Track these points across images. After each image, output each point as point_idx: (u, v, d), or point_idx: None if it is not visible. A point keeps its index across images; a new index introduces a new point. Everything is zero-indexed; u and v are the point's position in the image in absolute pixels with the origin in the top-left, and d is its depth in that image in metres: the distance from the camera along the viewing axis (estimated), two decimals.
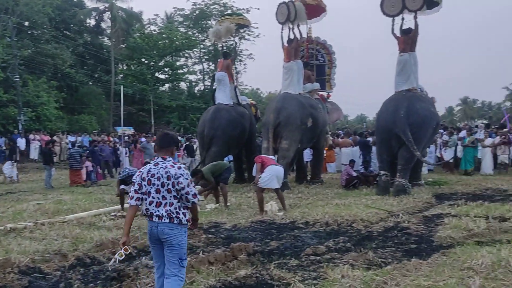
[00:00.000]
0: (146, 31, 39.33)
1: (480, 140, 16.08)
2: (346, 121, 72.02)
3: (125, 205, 9.93)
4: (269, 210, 8.87)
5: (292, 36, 13.83)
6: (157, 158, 3.90)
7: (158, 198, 3.78)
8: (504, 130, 16.39)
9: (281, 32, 13.99)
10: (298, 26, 13.90)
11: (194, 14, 41.65)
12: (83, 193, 12.86)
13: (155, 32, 39.40)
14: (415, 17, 12.07)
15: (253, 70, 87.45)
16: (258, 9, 39.08)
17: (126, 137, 25.13)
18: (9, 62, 25.34)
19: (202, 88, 45.65)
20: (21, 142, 22.05)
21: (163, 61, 40.06)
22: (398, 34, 12.27)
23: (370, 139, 16.33)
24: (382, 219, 7.80)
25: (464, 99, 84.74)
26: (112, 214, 8.94)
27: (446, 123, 38.85)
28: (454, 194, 10.86)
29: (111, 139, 22.99)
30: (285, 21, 13.80)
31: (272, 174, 8.77)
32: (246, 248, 5.77)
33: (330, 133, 19.86)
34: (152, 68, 38.43)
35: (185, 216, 3.79)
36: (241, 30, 33.35)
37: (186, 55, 43.68)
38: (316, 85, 14.99)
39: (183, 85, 45.56)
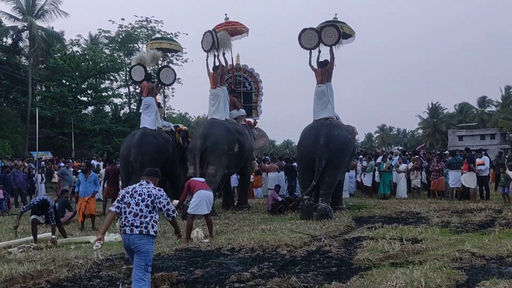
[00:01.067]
0: (68, 52, 37.82)
1: (396, 166, 17.15)
2: (273, 146, 73.62)
3: (41, 235, 9.28)
4: (195, 237, 8.74)
5: (217, 63, 14.05)
6: (143, 180, 4.98)
7: (136, 210, 4.73)
8: (416, 156, 17.63)
9: (207, 60, 14.20)
10: (223, 54, 14.24)
11: (120, 36, 40.87)
12: None
13: (77, 53, 38.00)
14: (331, 51, 12.86)
15: (181, 94, 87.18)
16: (186, 34, 39.19)
17: (43, 162, 23.74)
18: None
19: (128, 111, 44.51)
20: None
21: (86, 83, 38.61)
22: (315, 66, 12.95)
23: (295, 164, 16.81)
24: (305, 243, 8.00)
25: (381, 126, 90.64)
26: (23, 245, 8.27)
27: (366, 149, 41.05)
28: (372, 217, 11.42)
29: (26, 164, 21.45)
30: (210, 49, 14.06)
31: (201, 199, 8.73)
32: (169, 278, 5.63)
33: (256, 158, 20.17)
34: (74, 90, 36.86)
35: (153, 228, 4.73)
36: (169, 55, 33.22)
37: (111, 77, 42.51)
38: (242, 111, 15.25)
39: (107, 108, 44.17)
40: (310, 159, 11.82)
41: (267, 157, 22.73)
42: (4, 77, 34.38)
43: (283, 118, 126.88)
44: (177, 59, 41.45)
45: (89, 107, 40.74)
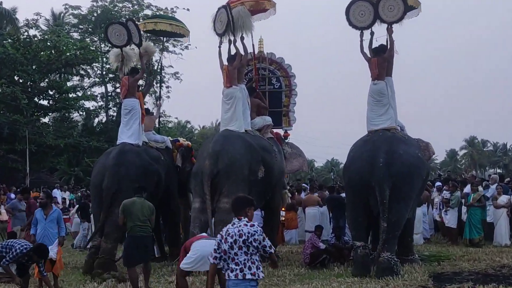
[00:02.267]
0: (22, 37, 38.82)
1: (493, 198, 16.87)
2: (312, 169, 73.50)
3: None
4: None
5: (234, 52, 14.16)
6: (234, 219, 6.16)
7: (230, 254, 5.96)
8: None
9: (219, 47, 14.33)
10: (242, 38, 14.28)
11: (95, 14, 41.84)
12: None
13: (35, 39, 38.98)
14: (390, 31, 12.82)
15: (181, 95, 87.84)
16: (188, 10, 39.53)
17: None
18: None
19: (104, 120, 45.19)
20: None
21: (46, 80, 39.47)
22: (369, 54, 12.95)
23: (343, 195, 16.76)
24: None
25: (470, 139, 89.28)
26: None
27: (449, 173, 40.52)
28: (459, 273, 11.24)
29: None
30: (225, 32, 14.18)
31: (199, 252, 8.77)
32: None
33: (289, 187, 20.16)
34: (29, 90, 37.73)
35: (250, 270, 5.90)
36: (165, 39, 33.72)
37: (82, 72, 43.34)
38: (268, 119, 15.32)
39: (76, 116, 44.87)
40: (365, 187, 11.75)
41: (304, 185, 22.73)
42: None
43: (324, 129, 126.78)
44: (174, 45, 42.15)
45: (50, 113, 41.51)
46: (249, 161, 12.85)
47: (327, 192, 18.38)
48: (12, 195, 25.07)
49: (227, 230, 6.07)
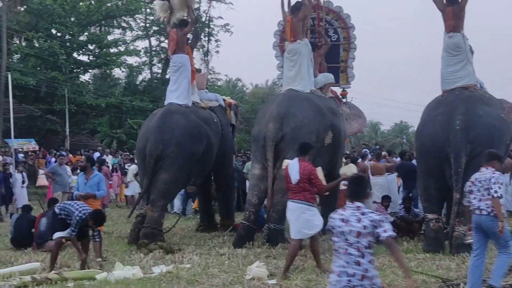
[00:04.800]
0: None
1: None
2: (376, 133, 72.67)
3: (23, 267, 9.89)
4: (254, 275, 8.95)
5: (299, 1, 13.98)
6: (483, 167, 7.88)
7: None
8: None
9: None
10: None
11: None
12: None
13: None
14: None
15: (231, 50, 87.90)
16: None
17: (21, 155, 24.97)
18: None
19: (148, 77, 45.77)
20: None
21: (85, 33, 40.08)
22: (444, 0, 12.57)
23: (414, 162, 16.64)
24: None
25: None
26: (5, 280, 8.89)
27: None
28: None
29: (0, 158, 22.82)
30: None
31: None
32: None
33: (351, 153, 20.07)
34: (68, 44, 38.45)
35: None
36: None
37: (124, 24, 43.83)
38: (330, 77, 15.25)
39: (117, 73, 45.52)
40: (439, 154, 11.62)
41: (366, 150, 22.55)
42: None
43: (390, 88, 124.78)
44: None
45: (89, 70, 42.25)
46: (317, 125, 12.82)
47: (396, 159, 18.20)
48: (51, 159, 26.01)
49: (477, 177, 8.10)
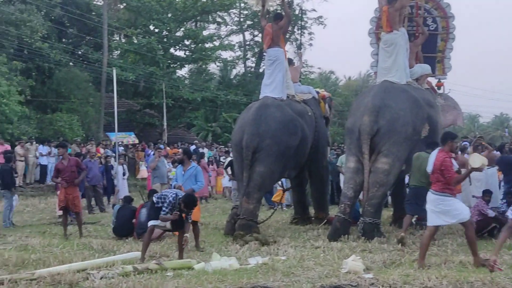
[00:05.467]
0: None
1: None
2: (476, 125, 70.42)
3: (127, 255, 10.23)
4: (350, 268, 8.90)
5: None
6: None
7: None
8: None
9: None
10: None
11: None
12: (59, 234, 13.37)
13: None
14: None
15: (325, 42, 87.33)
16: None
17: (122, 148, 25.75)
18: None
19: (243, 71, 46.17)
20: None
21: (182, 29, 40.86)
22: None
23: None
24: None
25: None
26: (105, 268, 9.20)
27: None
28: None
29: (101, 151, 23.65)
30: None
31: None
32: None
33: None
34: (165, 40, 39.32)
35: None
36: None
37: (218, 20, 44.37)
38: (427, 68, 14.89)
39: (213, 68, 46.17)
40: None
41: (465, 143, 21.86)
42: (71, 24, 37.90)
43: (490, 79, 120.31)
44: None
45: (186, 65, 43.06)
46: (413, 118, 12.63)
47: (496, 152, 17.56)
48: (150, 151, 26.76)
49: None
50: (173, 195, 10.13)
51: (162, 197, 10.27)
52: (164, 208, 10.07)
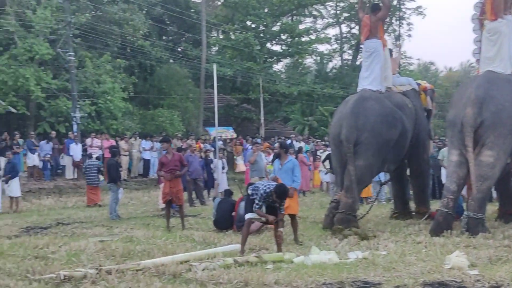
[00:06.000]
0: None
1: None
2: None
3: (225, 248, 10.40)
4: (454, 265, 8.68)
5: None
6: None
7: None
8: None
9: None
10: None
11: None
12: (162, 226, 13.78)
13: None
14: None
15: (423, 33, 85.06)
16: None
17: (221, 143, 26.12)
18: (60, 33, 27.94)
19: (339, 64, 45.85)
20: (75, 150, 24.18)
21: (278, 23, 40.99)
22: None
23: None
24: None
25: None
26: (207, 260, 9.38)
27: None
28: None
29: (201, 146, 24.09)
30: None
31: None
32: None
33: None
34: (262, 35, 39.60)
35: None
36: None
37: (315, 13, 44.23)
38: None
39: (309, 61, 46.11)
40: None
41: None
42: (170, 22, 38.86)
43: None
44: None
45: (282, 59, 43.22)
46: None
47: None
48: (248, 146, 27.07)
49: None
50: (264, 188, 10.17)
51: (256, 189, 10.34)
52: (256, 201, 10.15)
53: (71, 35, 27.54)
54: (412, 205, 15.27)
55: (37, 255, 10.16)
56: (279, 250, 10.22)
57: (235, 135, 32.35)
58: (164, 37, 39.22)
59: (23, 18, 27.04)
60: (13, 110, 26.14)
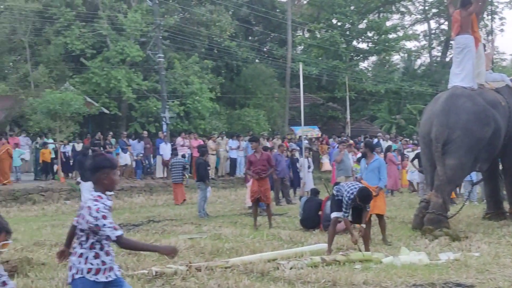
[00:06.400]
0: None
1: None
2: None
3: (312, 247, 10.39)
4: None
5: None
6: None
7: None
8: None
9: None
10: None
11: None
12: (249, 225, 13.91)
13: None
14: None
15: None
16: None
17: (306, 142, 26.12)
18: (150, 36, 28.72)
19: (428, 61, 44.94)
20: (164, 149, 24.78)
21: (365, 21, 40.62)
22: None
23: None
24: None
25: None
26: (294, 259, 9.41)
27: None
28: None
29: (288, 145, 24.16)
30: None
31: None
32: None
33: None
34: (347, 33, 39.32)
35: None
36: None
37: (402, 9, 43.55)
38: None
39: (396, 58, 45.46)
40: None
41: None
42: (256, 22, 39.18)
43: None
44: None
45: (368, 57, 42.77)
46: None
47: None
48: (334, 144, 26.96)
49: None
50: (348, 194, 10.06)
51: (340, 191, 10.28)
52: (344, 209, 10.05)
53: (161, 37, 28.28)
54: (506, 206, 14.78)
55: (130, 252, 10.47)
56: (367, 250, 10.11)
57: (320, 134, 32.25)
58: (250, 37, 39.64)
59: (115, 22, 27.99)
60: (106, 111, 27.18)
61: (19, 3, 26.10)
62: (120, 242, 4.74)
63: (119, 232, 4.71)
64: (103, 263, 4.79)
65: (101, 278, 4.76)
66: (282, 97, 35.90)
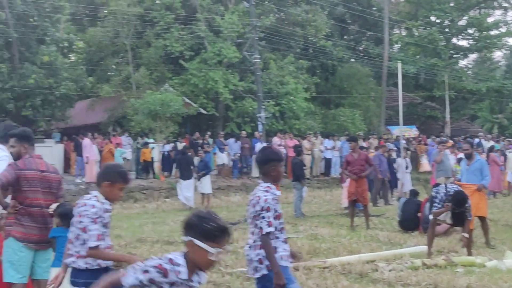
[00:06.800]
0: None
1: None
2: None
3: (411, 249, 10.22)
4: None
5: None
6: None
7: None
8: None
9: None
10: None
11: None
12: (345, 225, 13.83)
13: None
14: None
15: None
16: None
17: (404, 142, 25.68)
18: (246, 37, 29.05)
19: None
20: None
21: (465, 17, 39.45)
22: None
23: None
24: None
25: None
26: (394, 261, 9.28)
27: None
28: None
29: (386, 145, 23.82)
30: None
31: None
32: None
33: None
34: (447, 30, 38.32)
35: None
36: None
37: (505, 4, 41.97)
38: None
39: (498, 55, 43.94)
40: None
41: None
42: (352, 20, 38.85)
43: None
44: None
45: (469, 55, 41.50)
46: None
47: None
48: (433, 143, 26.41)
49: None
50: (442, 194, 9.80)
51: (437, 192, 10.05)
52: (435, 204, 9.84)
53: (257, 38, 28.52)
54: None
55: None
56: (469, 253, 9.82)
57: (418, 134, 31.60)
58: (345, 36, 39.40)
59: (212, 24, 28.49)
60: (203, 111, 27.73)
61: (122, 7, 27.11)
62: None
63: (270, 229, 5.14)
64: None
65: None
66: (378, 97, 35.44)
